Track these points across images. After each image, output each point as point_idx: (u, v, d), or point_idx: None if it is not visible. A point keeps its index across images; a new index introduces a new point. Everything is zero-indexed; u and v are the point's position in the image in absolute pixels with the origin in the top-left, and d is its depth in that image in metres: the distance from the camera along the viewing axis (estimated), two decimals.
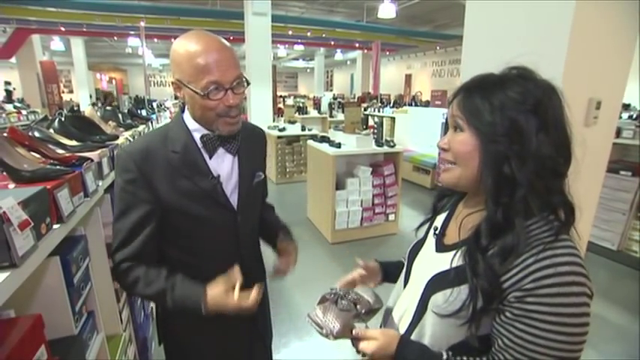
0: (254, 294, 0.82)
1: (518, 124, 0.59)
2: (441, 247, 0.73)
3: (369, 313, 0.81)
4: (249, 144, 0.96)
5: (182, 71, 0.81)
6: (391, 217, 3.84)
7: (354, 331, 0.72)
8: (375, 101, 8.51)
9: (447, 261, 0.67)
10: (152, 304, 1.94)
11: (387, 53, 14.37)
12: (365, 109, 7.87)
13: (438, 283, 0.67)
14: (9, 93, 6.31)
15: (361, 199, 3.66)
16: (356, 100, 10.47)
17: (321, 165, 3.74)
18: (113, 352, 1.18)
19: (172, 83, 0.86)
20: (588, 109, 1.80)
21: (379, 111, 7.53)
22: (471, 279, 0.60)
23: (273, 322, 1.28)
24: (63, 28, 9.99)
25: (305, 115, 8.68)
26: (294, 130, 6.21)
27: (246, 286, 1.03)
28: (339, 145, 3.67)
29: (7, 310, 0.62)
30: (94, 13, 8.31)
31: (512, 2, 1.65)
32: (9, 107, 4.87)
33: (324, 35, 11.27)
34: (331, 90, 18.95)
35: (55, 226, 0.80)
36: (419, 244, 0.82)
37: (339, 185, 3.62)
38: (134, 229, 0.85)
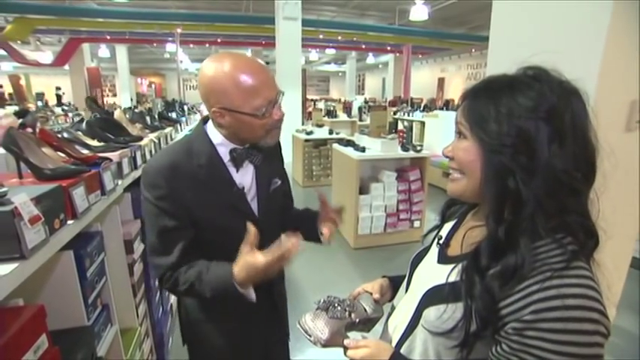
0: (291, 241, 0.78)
1: (527, 133, 0.53)
2: (442, 259, 0.69)
3: (365, 322, 0.78)
4: (266, 154, 0.96)
5: (230, 98, 0.79)
6: (416, 223, 3.74)
7: (345, 341, 0.69)
8: (405, 105, 8.37)
9: (446, 274, 0.63)
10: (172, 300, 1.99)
11: (420, 56, 14.10)
12: (394, 113, 7.76)
13: (433, 297, 0.63)
14: (59, 97, 6.82)
15: (385, 204, 3.60)
16: (387, 103, 10.35)
17: (346, 169, 3.72)
18: (127, 344, 1.22)
19: (213, 112, 0.82)
20: (630, 112, 1.66)
21: (409, 115, 7.40)
22: (465, 300, 0.55)
23: (289, 326, 1.26)
24: (109, 37, 10.70)
25: (334, 119, 8.70)
26: (321, 133, 6.22)
27: (266, 288, 0.99)
28: (363, 150, 3.63)
29: (15, 298, 0.66)
30: (136, 21, 8.83)
31: (541, 2, 1.56)
32: (58, 110, 5.27)
33: (355, 39, 11.27)
34: (363, 94, 18.86)
35: (70, 222, 0.85)
36: (423, 252, 0.78)
37: (363, 190, 3.58)
38: (171, 240, 0.85)
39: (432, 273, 0.68)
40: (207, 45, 12.17)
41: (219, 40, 11.66)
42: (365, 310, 0.77)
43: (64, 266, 0.86)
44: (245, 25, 9.28)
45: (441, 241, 0.73)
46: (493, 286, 0.53)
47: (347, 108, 10.43)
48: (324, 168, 6.03)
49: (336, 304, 0.75)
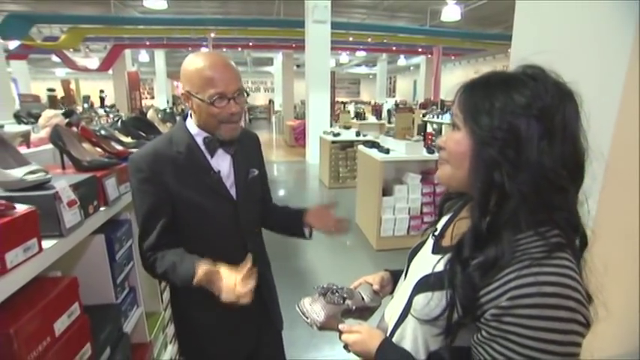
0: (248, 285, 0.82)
1: (517, 129, 0.54)
2: (436, 249, 0.71)
3: (363, 310, 0.81)
4: (243, 146, 1.08)
5: (192, 84, 0.92)
6: None
7: (340, 325, 0.73)
8: (434, 107, 8.23)
9: (439, 264, 0.64)
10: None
11: (453, 58, 13.80)
12: (424, 116, 7.65)
13: (422, 285, 0.65)
14: (102, 100, 7.33)
15: (409, 206, 3.57)
16: (418, 106, 10.20)
17: (370, 170, 3.74)
18: (152, 326, 1.32)
19: (182, 94, 0.97)
20: None
21: (438, 117, 7.27)
22: (447, 289, 0.58)
23: (304, 324, 1.30)
24: (148, 42, 11.34)
25: (363, 121, 8.71)
26: (348, 135, 6.25)
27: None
28: (387, 151, 3.63)
29: (54, 271, 0.76)
30: (173, 27, 9.30)
31: (566, 2, 1.53)
32: (101, 111, 5.68)
33: (385, 40, 11.20)
34: (393, 96, 18.68)
35: (102, 209, 0.95)
36: (420, 245, 0.80)
37: (387, 192, 3.57)
38: (151, 220, 0.96)
39: (426, 263, 0.70)
40: (239, 49, 12.56)
41: (250, 44, 11.99)
42: (362, 298, 0.80)
43: (96, 248, 0.96)
44: (276, 28, 9.50)
45: (436, 233, 0.75)
46: (474, 276, 0.55)
47: (376, 110, 10.39)
48: (351, 170, 6.04)
49: (334, 290, 0.79)
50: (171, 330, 1.60)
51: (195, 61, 0.92)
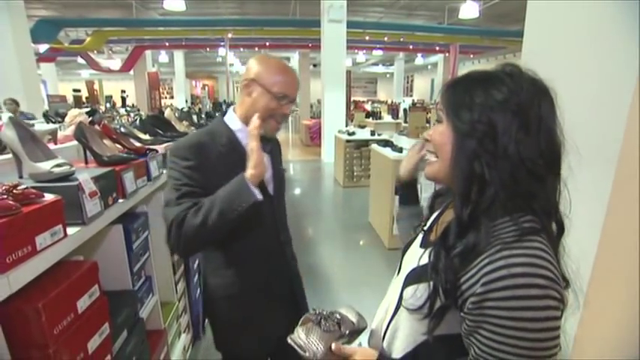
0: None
1: (495, 123, 0.58)
2: (424, 243, 0.74)
3: (353, 334, 0.81)
4: (273, 146, 1.16)
5: (264, 75, 0.99)
6: None
7: (332, 345, 0.73)
8: None
9: (424, 257, 0.67)
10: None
11: (472, 56, 13.57)
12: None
13: (411, 278, 0.68)
14: (123, 99, 7.60)
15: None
16: (435, 105, 10.09)
17: (383, 169, 3.75)
18: (166, 315, 1.40)
19: (245, 80, 1.01)
20: None
21: None
22: (430, 275, 0.61)
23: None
24: (167, 43, 11.64)
25: (378, 121, 8.69)
26: (363, 134, 6.25)
27: (280, 262, 1.15)
28: (400, 150, 3.64)
29: (77, 255, 0.83)
30: (192, 28, 9.53)
31: (577, 2, 1.51)
32: (122, 110, 5.91)
33: (401, 39, 11.12)
34: (411, 95, 18.50)
35: (120, 200, 1.02)
36: (412, 240, 0.83)
37: None
38: (185, 197, 0.94)
39: (414, 256, 0.72)
40: (256, 49, 12.71)
41: (267, 44, 12.12)
42: (352, 322, 0.80)
43: (115, 237, 1.03)
44: (292, 28, 9.58)
45: (425, 228, 0.78)
46: (455, 262, 0.58)
47: (393, 110, 10.32)
48: (365, 169, 6.04)
49: (326, 317, 0.77)
50: (184, 319, 1.68)
51: (276, 61, 1.02)
